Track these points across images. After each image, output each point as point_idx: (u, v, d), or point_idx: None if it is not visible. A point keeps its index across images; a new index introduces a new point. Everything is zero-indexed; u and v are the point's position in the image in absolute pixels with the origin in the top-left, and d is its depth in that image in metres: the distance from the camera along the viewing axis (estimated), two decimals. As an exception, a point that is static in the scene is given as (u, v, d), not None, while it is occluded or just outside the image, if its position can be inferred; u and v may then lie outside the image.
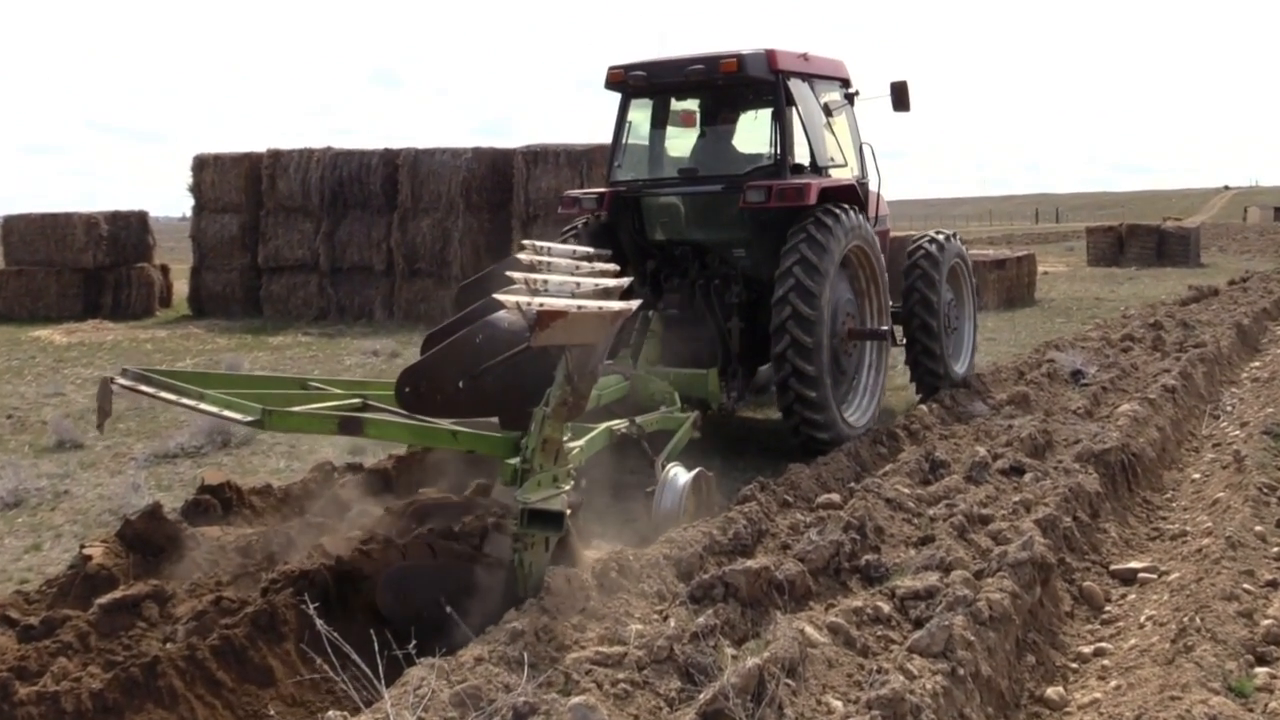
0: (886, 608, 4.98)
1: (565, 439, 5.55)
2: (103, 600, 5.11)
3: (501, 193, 21.76)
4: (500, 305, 5.53)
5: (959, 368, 11.63)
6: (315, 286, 22.77)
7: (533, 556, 5.19)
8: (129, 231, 24.49)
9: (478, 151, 21.88)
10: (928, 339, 10.97)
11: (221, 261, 23.72)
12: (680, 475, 6.77)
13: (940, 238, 11.42)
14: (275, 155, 23.19)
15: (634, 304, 5.62)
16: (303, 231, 22.88)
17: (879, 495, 6.74)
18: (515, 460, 5.43)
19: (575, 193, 10.18)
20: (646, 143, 10.28)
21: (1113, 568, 6.44)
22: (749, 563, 5.09)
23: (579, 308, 5.22)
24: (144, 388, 5.63)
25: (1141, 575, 6.25)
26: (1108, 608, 5.92)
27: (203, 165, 23.81)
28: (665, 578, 5.28)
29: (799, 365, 8.72)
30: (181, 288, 25.26)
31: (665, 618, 4.74)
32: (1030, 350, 14.58)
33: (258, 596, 5.14)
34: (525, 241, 7.63)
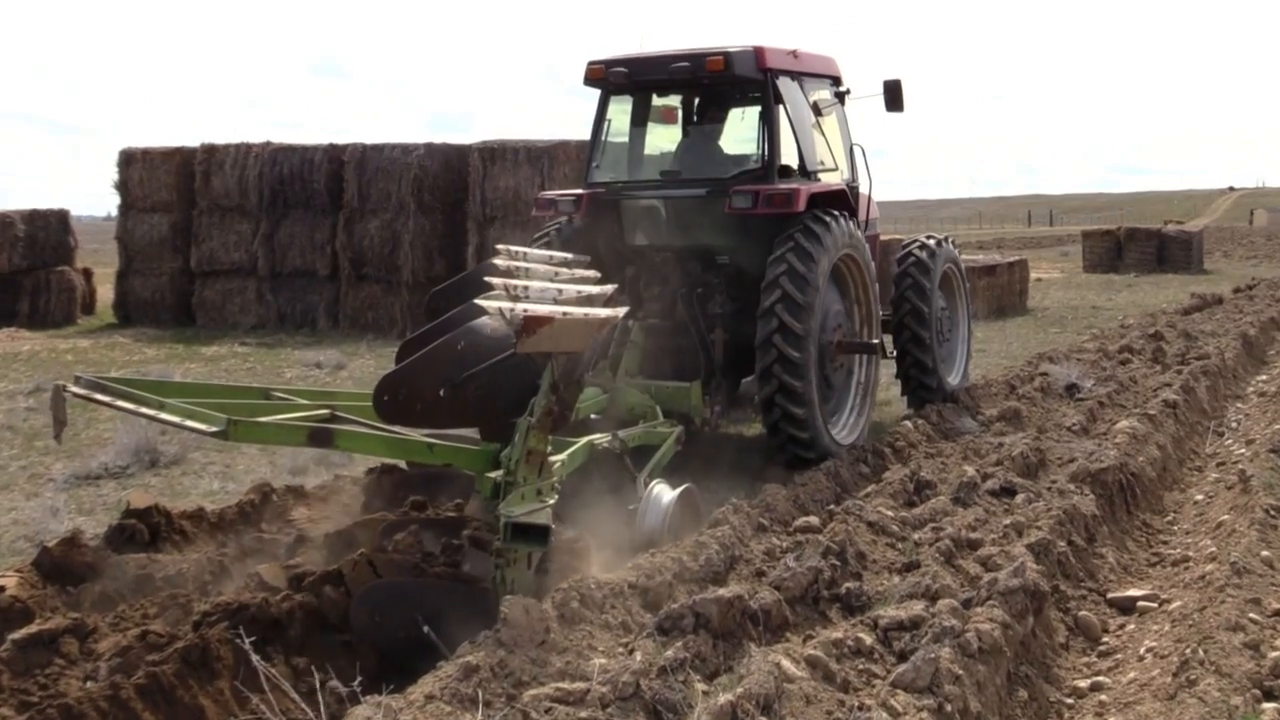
0: (868, 639, 4.99)
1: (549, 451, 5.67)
2: (16, 635, 5.05)
3: (456, 192, 21.73)
4: (481, 311, 5.68)
5: (953, 379, 11.77)
6: (253, 293, 22.63)
7: (515, 573, 5.32)
8: (48, 232, 24.25)
9: (430, 147, 21.83)
10: (919, 351, 11.12)
11: (150, 265, 23.53)
12: (665, 492, 6.87)
13: (931, 243, 11.56)
14: (209, 150, 23.05)
15: (620, 311, 5.73)
16: (239, 233, 22.74)
17: (860, 518, 6.76)
18: (496, 474, 5.56)
19: (551, 194, 10.27)
20: (626, 142, 10.38)
21: (1110, 596, 6.48)
22: (721, 591, 5.08)
23: (564, 314, 5.32)
24: (99, 396, 5.73)
25: (1141, 604, 6.30)
26: (1105, 639, 5.96)
27: (130, 160, 23.62)
28: (631, 608, 5.27)
29: (786, 381, 8.82)
30: (106, 293, 25.01)
31: (631, 651, 4.72)
32: (1022, 362, 14.69)
33: (188, 631, 5.10)
34: (500, 245, 7.83)
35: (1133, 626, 6.05)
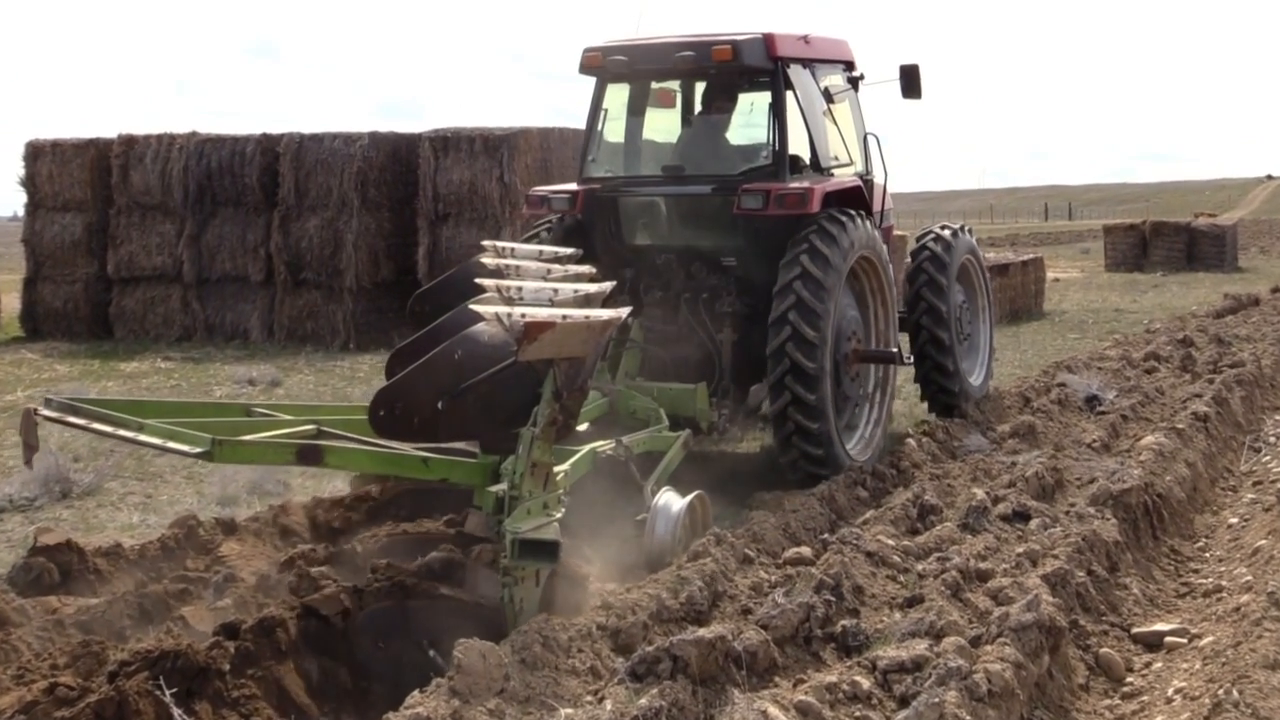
0: (866, 683, 5.00)
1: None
2: (-94, 691, 5.01)
3: (405, 187, 21.68)
4: (476, 316, 5.98)
5: (975, 381, 12.07)
6: (178, 301, 22.50)
7: (523, 592, 5.64)
8: (-54, 235, 24.11)
9: (375, 137, 21.77)
10: (939, 354, 11.39)
11: (62, 271, 23.37)
12: (673, 501, 7.17)
13: (946, 233, 11.85)
14: (128, 142, 22.93)
15: (624, 311, 6.13)
16: (162, 234, 22.62)
17: (858, 548, 6.78)
18: (497, 488, 5.97)
19: (543, 190, 10.54)
20: (623, 134, 10.60)
21: (1135, 631, 6.52)
22: (702, 631, 5.08)
23: (564, 317, 5.59)
24: (72, 419, 5.99)
25: (1169, 640, 6.34)
26: (1129, 679, 5.99)
27: (38, 153, 23.48)
28: (601, 651, 5.28)
29: (799, 393, 9.03)
30: (12, 302, 24.83)
31: (600, 699, 4.73)
32: (1038, 372, 14.78)
33: (103, 683, 5.07)
34: (486, 242, 8.16)
35: (1160, 665, 6.08)
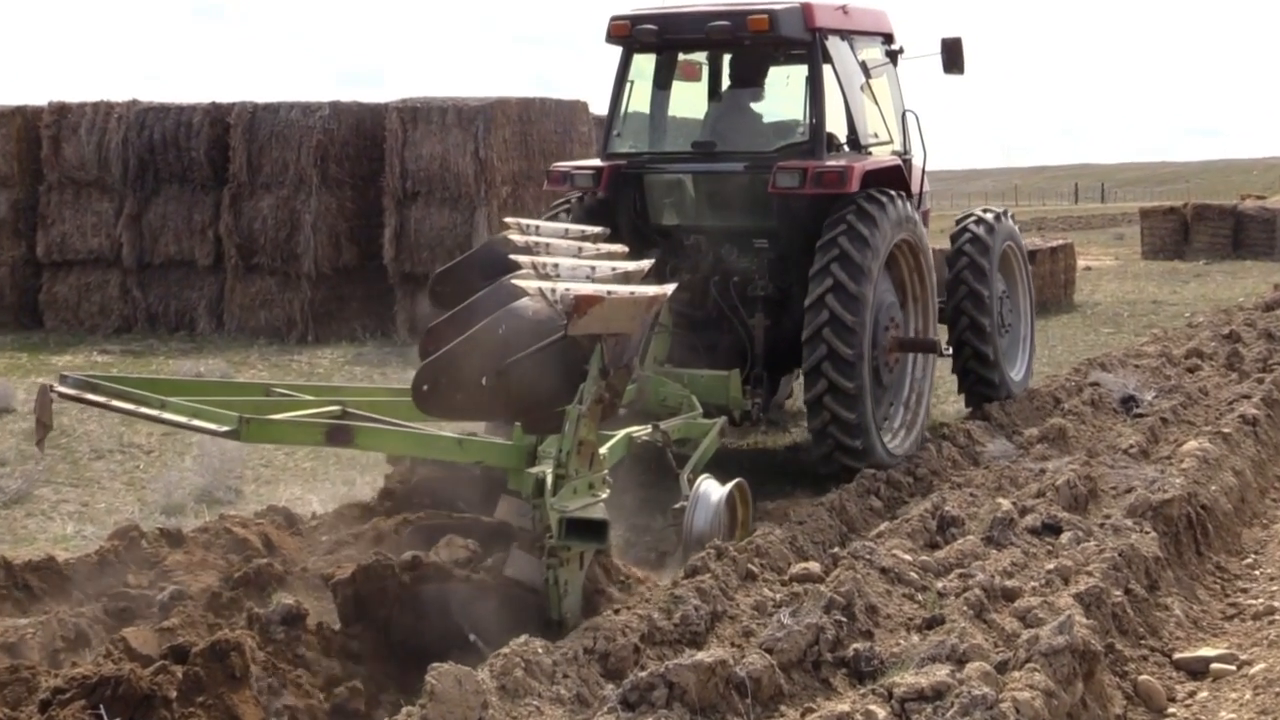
0: (881, 713, 5.00)
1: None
2: None
3: (369, 162, 21.63)
4: (516, 291, 6.52)
5: (1016, 375, 12.45)
6: (116, 288, 22.45)
7: (568, 574, 6.19)
8: None
9: (337, 107, 21.72)
10: (979, 341, 11.70)
11: (-14, 254, 23.31)
12: (714, 489, 7.60)
13: (989, 217, 12.21)
14: (60, 110, 22.83)
15: (669, 288, 6.63)
16: (99, 214, 22.55)
17: (871, 563, 6.79)
18: (537, 469, 6.47)
19: (565, 166, 10.96)
20: (650, 109, 10.98)
21: (1177, 657, 6.53)
22: (700, 656, 5.09)
23: (609, 293, 6.10)
24: (91, 396, 6.38)
25: (1215, 666, 6.35)
26: (1171, 709, 6.00)
27: (-41, 124, 23.40)
28: (588, 677, 5.28)
29: (836, 380, 9.37)
30: (-70, 289, 24.74)
31: (588, 731, 4.72)
32: (1068, 370, 14.79)
33: (34, 712, 5.06)
34: (510, 219, 8.68)
35: (1205, 694, 6.09)
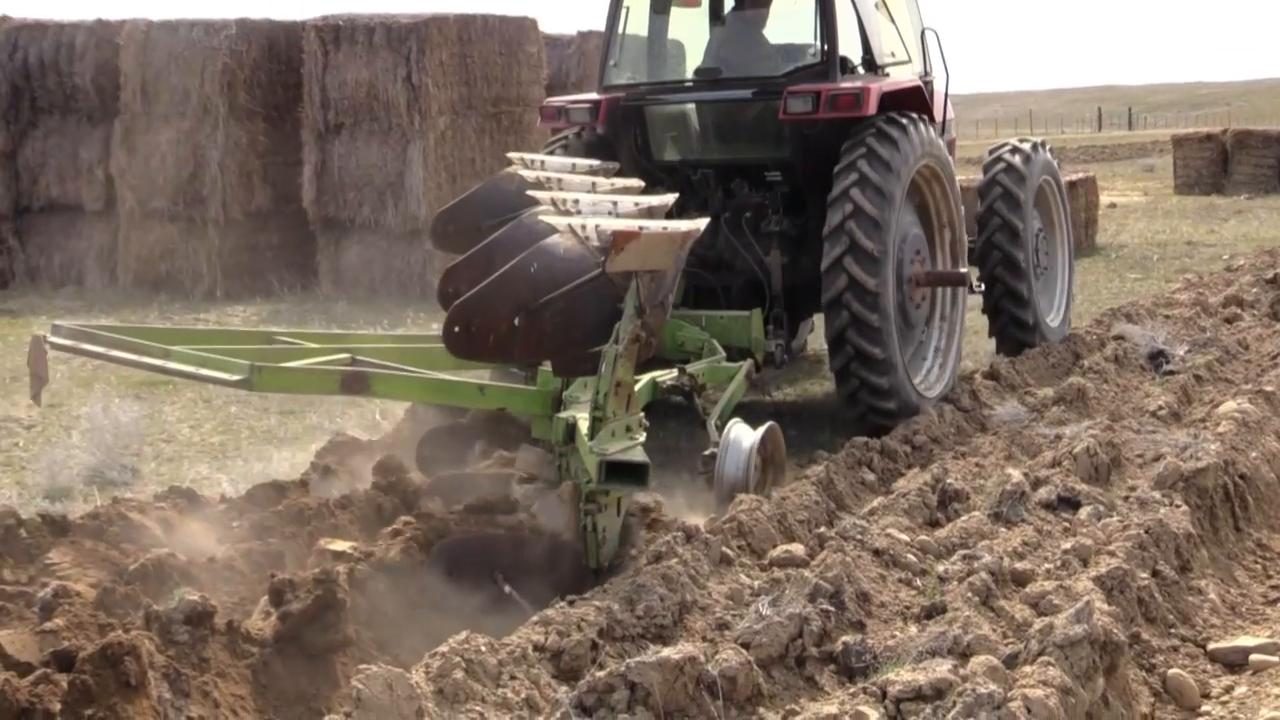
0: (874, 715, 5.01)
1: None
2: None
3: (285, 90, 21.53)
4: (543, 228, 7.05)
5: (1052, 320, 12.98)
6: (-10, 237, 22.36)
7: (606, 520, 6.72)
8: None
9: (246, 25, 21.58)
10: (1013, 278, 12.16)
11: None
12: (744, 434, 8.01)
13: (1026, 146, 12.72)
14: (-79, 32, 22.68)
15: (701, 223, 7.06)
16: (-34, 151, 22.44)
17: (863, 544, 6.81)
18: (567, 414, 7.01)
19: (559, 100, 11.48)
20: (647, 36, 11.37)
21: (1212, 647, 6.56)
22: (667, 652, 5.10)
23: (643, 229, 6.52)
24: (88, 346, 6.85)
25: (1256, 658, 6.38)
26: (1205, 707, 6.03)
27: None
28: (539, 678, 5.28)
29: (859, 312, 9.71)
30: None
31: (538, 740, 4.73)
32: (1089, 321, 14.84)
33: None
34: (514, 154, 9.18)
35: (1244, 689, 6.12)
